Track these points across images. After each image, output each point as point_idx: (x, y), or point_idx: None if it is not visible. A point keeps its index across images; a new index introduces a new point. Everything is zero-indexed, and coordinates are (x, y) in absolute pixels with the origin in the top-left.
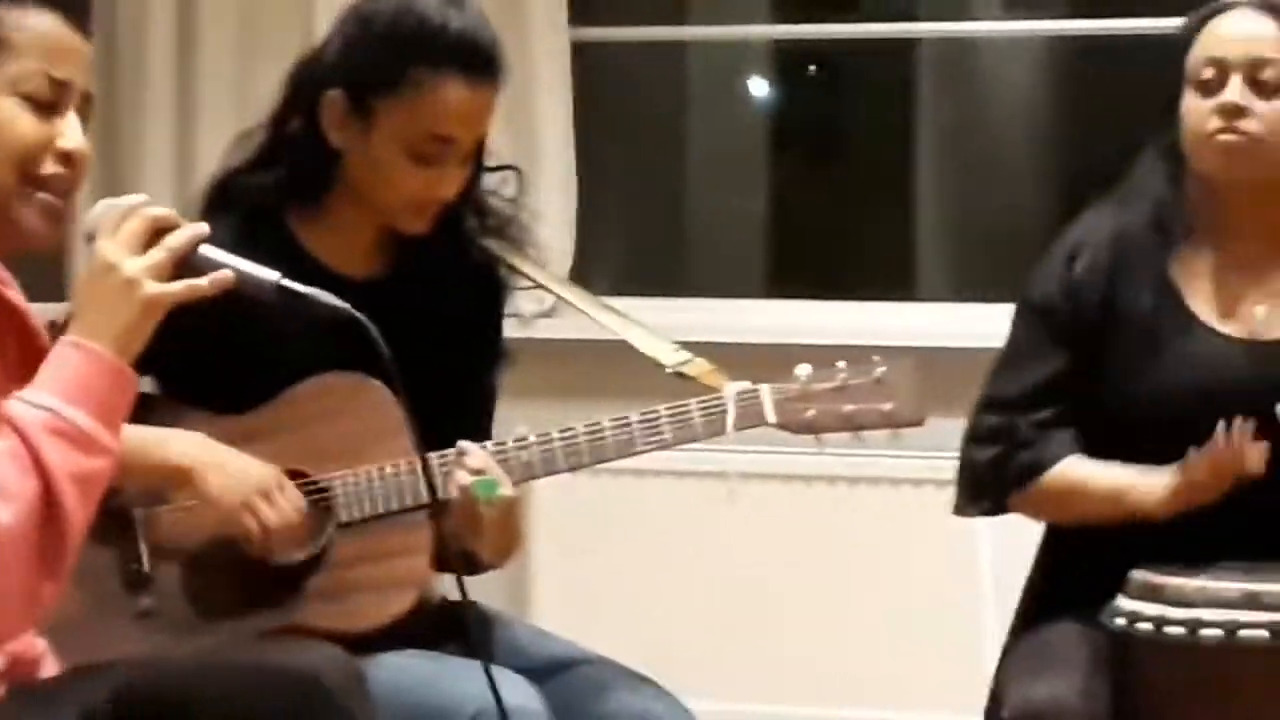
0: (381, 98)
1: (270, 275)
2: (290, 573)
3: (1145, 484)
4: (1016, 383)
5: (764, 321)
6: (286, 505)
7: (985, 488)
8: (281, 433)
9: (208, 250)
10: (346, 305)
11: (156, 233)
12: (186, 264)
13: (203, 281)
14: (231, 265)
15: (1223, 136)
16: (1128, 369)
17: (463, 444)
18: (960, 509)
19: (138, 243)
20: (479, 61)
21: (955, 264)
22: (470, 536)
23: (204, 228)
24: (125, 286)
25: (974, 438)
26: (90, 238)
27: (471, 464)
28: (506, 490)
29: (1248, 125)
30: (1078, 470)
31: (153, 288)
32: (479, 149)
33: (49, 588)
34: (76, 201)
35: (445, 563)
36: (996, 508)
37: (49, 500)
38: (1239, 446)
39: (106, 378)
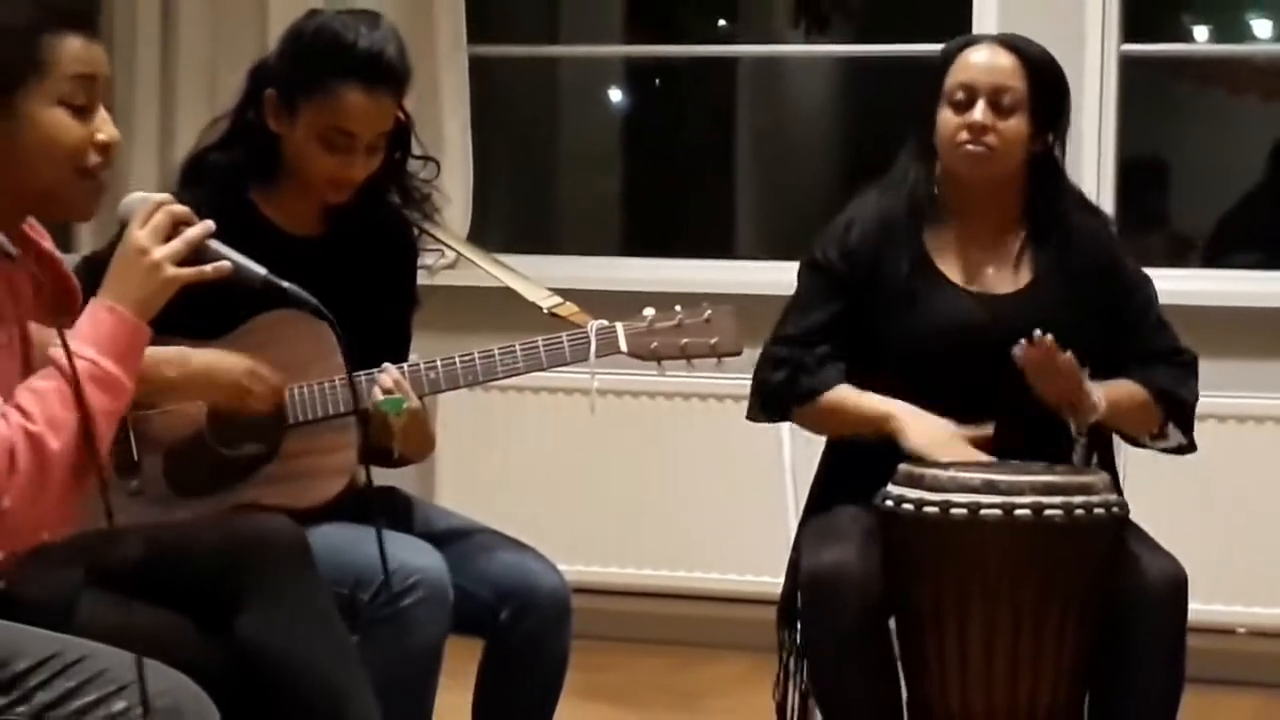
0: (302, 97)
1: (259, 269)
2: (249, 462)
3: (900, 418)
4: (801, 323)
5: (619, 275)
6: (270, 375)
7: (774, 402)
8: (245, 354)
9: (213, 243)
10: (315, 301)
11: (176, 225)
12: (196, 253)
13: (208, 269)
14: (230, 258)
15: (968, 148)
16: (891, 319)
17: (385, 365)
18: (752, 416)
19: (162, 233)
20: (378, 73)
21: (765, 231)
22: (387, 439)
23: (211, 225)
24: (152, 268)
25: (765, 362)
26: (123, 222)
27: (384, 382)
28: (412, 403)
29: (989, 140)
30: (847, 397)
31: (171, 271)
32: (396, 138)
33: (78, 495)
34: (107, 178)
35: (372, 457)
36: (780, 417)
37: (85, 431)
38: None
39: (131, 335)
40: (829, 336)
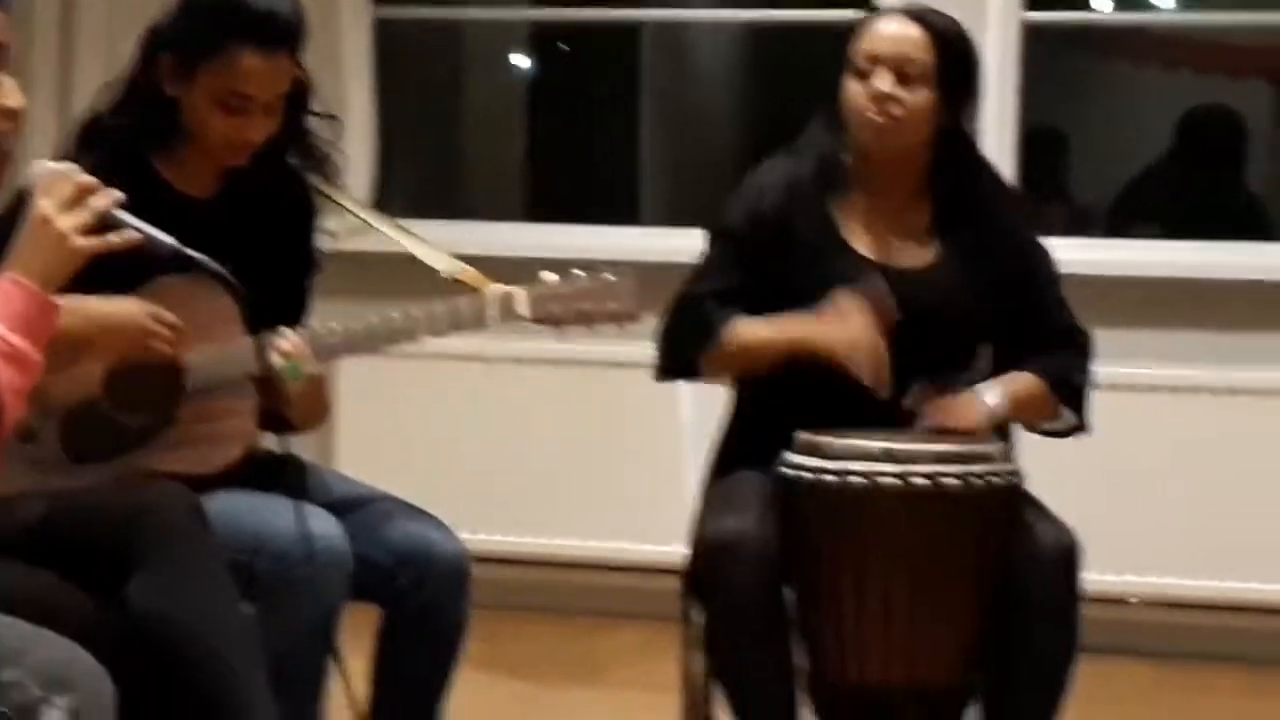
0: (198, 61)
1: (168, 240)
2: (146, 428)
3: (802, 329)
4: (704, 286)
5: (523, 241)
6: (169, 316)
7: (680, 354)
8: None
9: (120, 213)
10: (225, 271)
11: (82, 195)
12: (103, 223)
13: (115, 239)
14: (137, 227)
15: (872, 117)
16: (797, 285)
17: (282, 329)
18: (661, 375)
19: (68, 203)
20: (273, 33)
21: (670, 198)
22: (283, 405)
23: (118, 195)
24: (58, 239)
25: (668, 320)
26: (22, 191)
27: (284, 346)
28: (310, 368)
29: (894, 109)
30: (747, 327)
31: (78, 241)
32: (295, 98)
33: None
34: (13, 146)
35: (269, 423)
36: (690, 370)
37: None
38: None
39: (38, 309)
40: (732, 299)
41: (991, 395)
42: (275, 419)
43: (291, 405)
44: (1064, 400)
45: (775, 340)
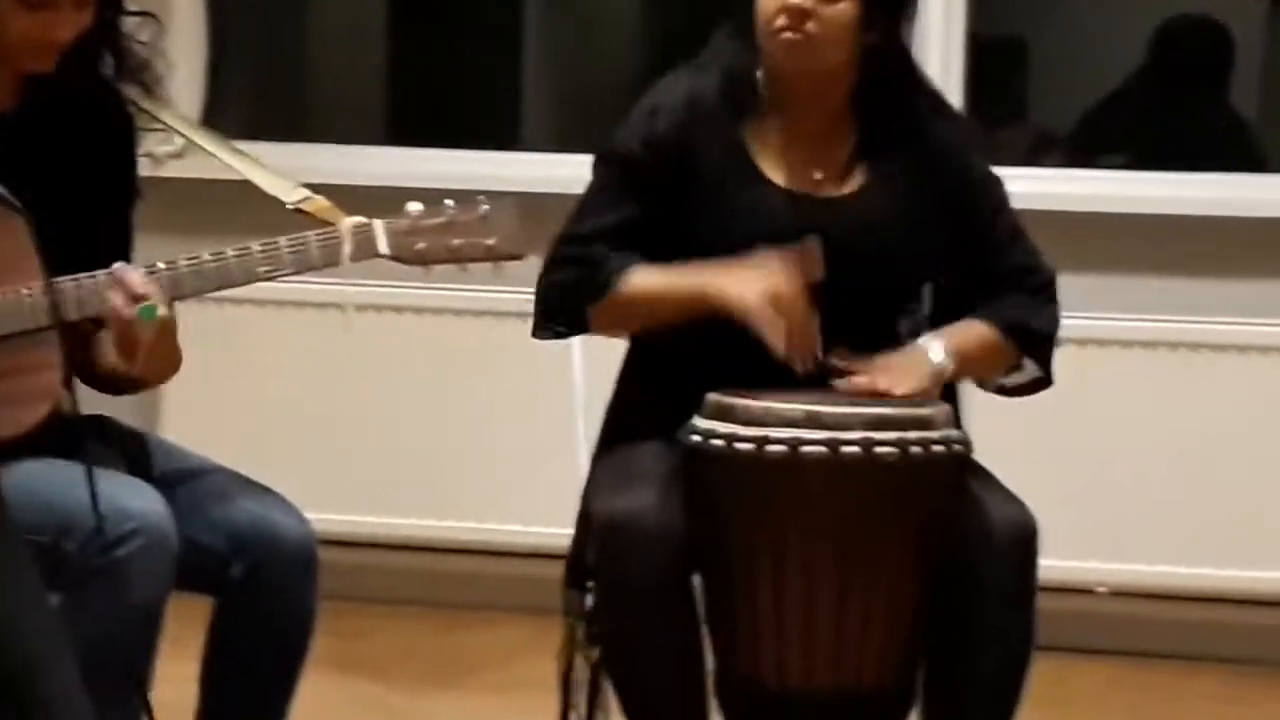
0: None
1: None
2: None
3: (708, 280)
4: (591, 222)
5: (382, 167)
6: None
7: (563, 306)
8: None
9: None
10: (3, 190)
11: None
12: None
13: None
14: None
15: (786, 35)
16: (701, 217)
17: (120, 266)
18: (538, 329)
19: None
20: None
21: (556, 118)
22: (126, 357)
23: None
24: None
25: (550, 265)
26: None
27: (132, 284)
28: (164, 311)
29: (810, 27)
30: (644, 276)
31: None
32: None
33: None
34: None
35: (99, 381)
36: (574, 323)
37: None
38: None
39: None
40: (622, 239)
41: (935, 350)
42: (100, 375)
43: (138, 356)
44: (1023, 348)
45: (674, 291)
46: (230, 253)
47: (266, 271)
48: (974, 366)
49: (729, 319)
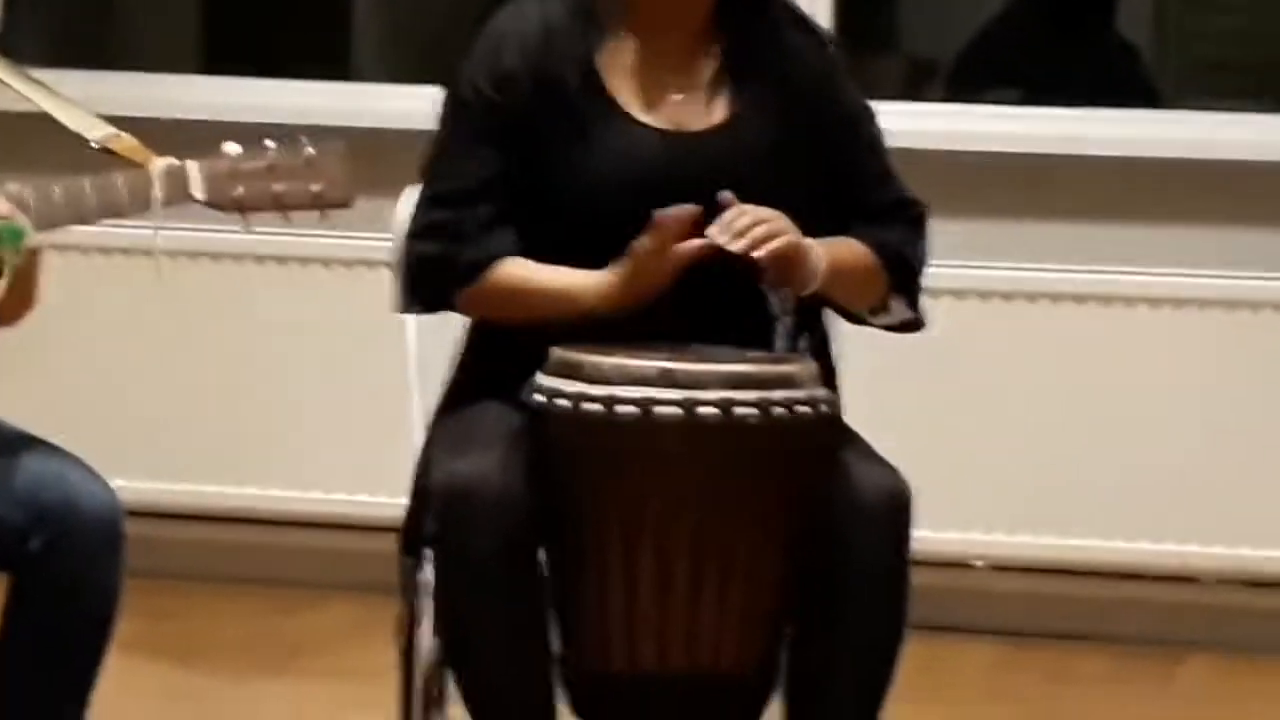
0: None
1: None
2: None
3: (590, 281)
4: (454, 179)
5: (197, 98)
6: None
7: (429, 285)
8: None
9: None
10: None
11: None
12: None
13: None
14: None
15: None
16: (557, 161)
17: None
18: (404, 306)
19: None
20: None
21: (391, 45)
22: None
23: None
24: None
25: (416, 234)
26: None
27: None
28: (34, 236)
29: None
30: (522, 270)
31: None
32: None
33: None
34: None
35: None
36: (440, 304)
37: None
38: (678, 229)
39: None
40: (491, 193)
41: (815, 250)
42: None
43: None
44: (897, 281)
45: (555, 296)
46: (29, 195)
47: (71, 217)
48: (846, 283)
49: (587, 253)
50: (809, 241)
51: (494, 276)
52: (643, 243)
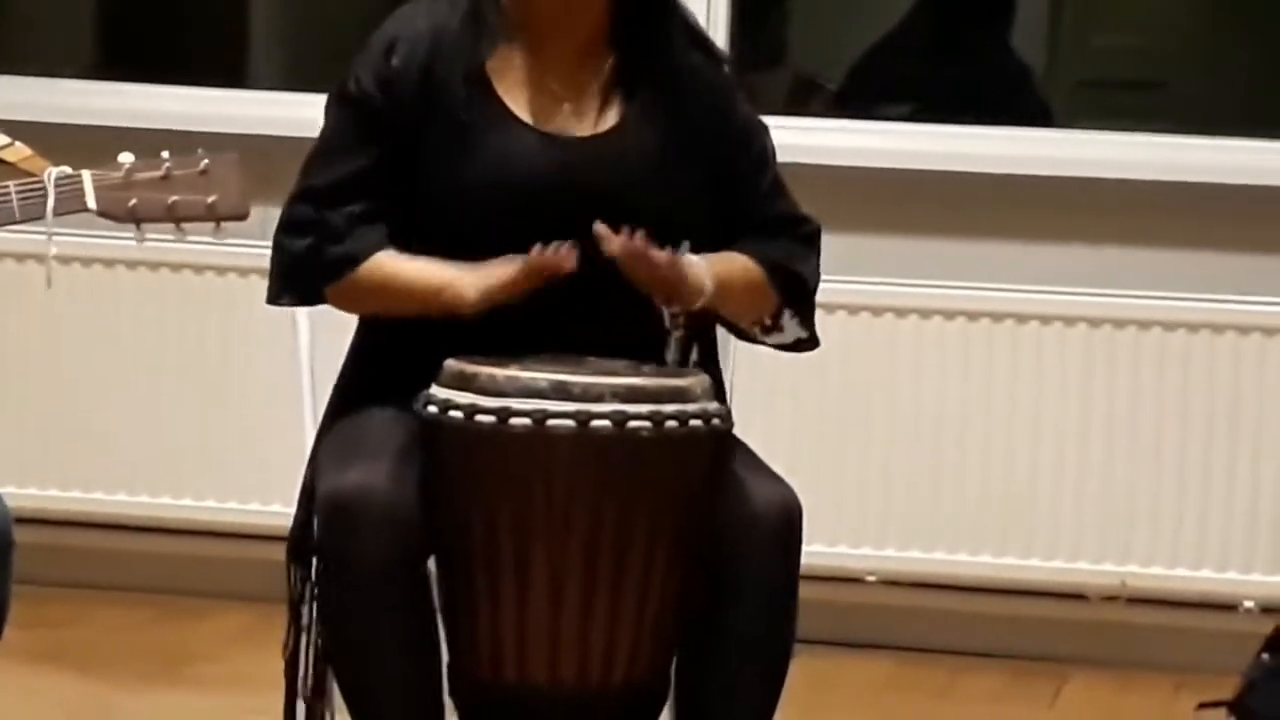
0: None
1: None
2: None
3: (459, 282)
4: (329, 174)
5: (91, 104)
6: None
7: (298, 277)
8: None
9: None
10: None
11: None
12: None
13: None
14: None
15: None
16: (443, 163)
17: None
18: (273, 298)
19: None
20: None
21: (289, 53)
22: None
23: None
24: None
25: (286, 227)
26: None
27: None
28: None
29: None
30: (391, 265)
31: None
32: None
33: None
34: None
35: None
36: (309, 297)
37: None
38: (554, 255)
39: None
40: (364, 191)
41: (699, 267)
42: None
43: None
44: (787, 298)
45: (420, 292)
46: None
47: None
48: (734, 299)
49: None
50: (690, 258)
51: (362, 271)
52: (521, 260)
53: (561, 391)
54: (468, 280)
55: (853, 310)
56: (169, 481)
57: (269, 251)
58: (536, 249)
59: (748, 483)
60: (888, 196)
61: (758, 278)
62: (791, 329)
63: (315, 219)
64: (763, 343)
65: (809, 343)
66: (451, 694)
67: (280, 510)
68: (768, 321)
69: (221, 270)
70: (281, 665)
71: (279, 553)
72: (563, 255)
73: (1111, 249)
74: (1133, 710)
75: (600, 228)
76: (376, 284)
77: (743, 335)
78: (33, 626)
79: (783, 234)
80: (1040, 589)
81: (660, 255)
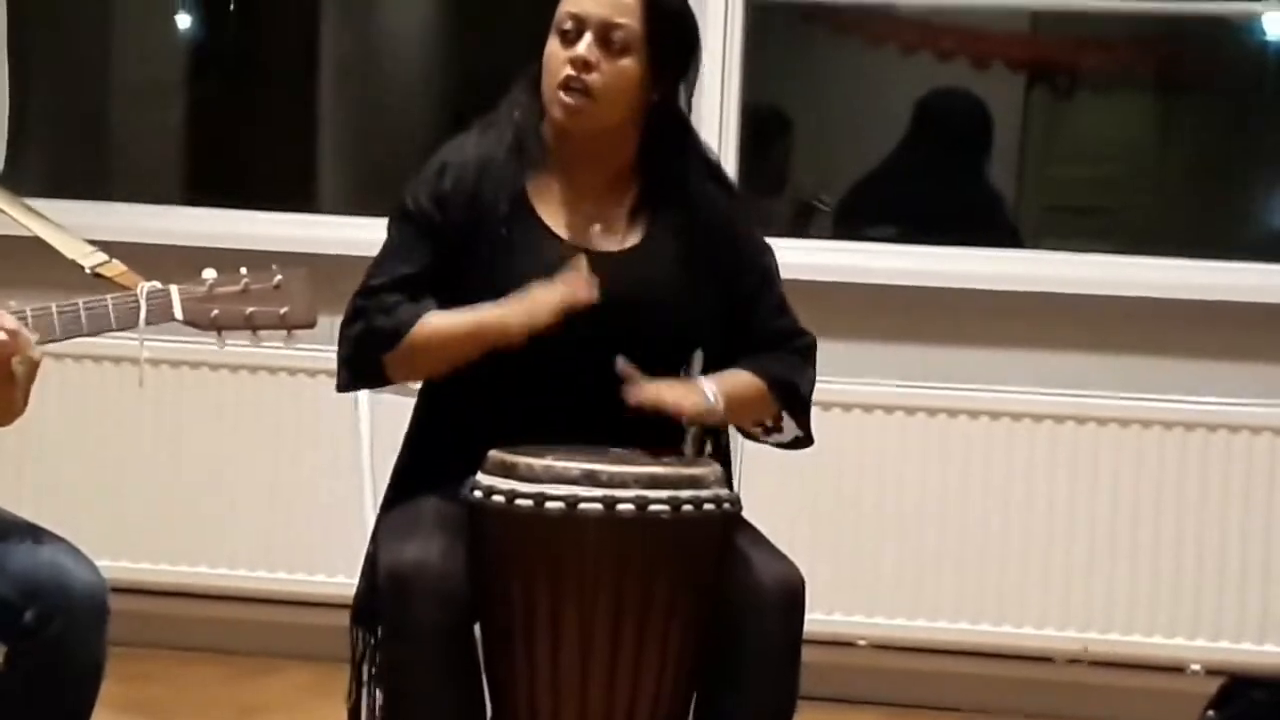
0: None
1: None
2: None
3: (497, 312)
4: (383, 276)
5: (179, 227)
6: None
7: (358, 357)
8: None
9: None
10: None
11: None
12: None
13: None
14: None
15: (565, 96)
16: (485, 270)
17: None
18: (343, 385)
19: None
20: None
21: (352, 181)
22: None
23: None
24: None
25: (345, 322)
26: None
27: (7, 324)
28: (35, 351)
29: (591, 79)
30: (437, 319)
31: None
32: None
33: None
34: None
35: None
36: (374, 374)
37: None
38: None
39: None
40: (416, 287)
41: (709, 386)
42: None
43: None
44: (786, 406)
45: (459, 328)
46: (29, 312)
47: (65, 333)
48: (740, 411)
49: (517, 365)
50: (701, 382)
51: (414, 333)
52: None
53: (591, 479)
54: (509, 311)
55: (846, 407)
56: (245, 555)
57: (334, 355)
58: (562, 275)
59: (755, 559)
60: (878, 308)
61: (761, 391)
62: (790, 430)
63: (366, 307)
64: (765, 442)
65: (805, 441)
66: None
67: (343, 581)
68: (769, 424)
69: (292, 371)
70: (344, 716)
71: (340, 618)
72: (586, 284)
73: (1073, 355)
74: None
75: (624, 367)
76: (427, 341)
77: (748, 435)
78: (122, 683)
79: (782, 347)
80: (1012, 653)
81: (669, 400)
